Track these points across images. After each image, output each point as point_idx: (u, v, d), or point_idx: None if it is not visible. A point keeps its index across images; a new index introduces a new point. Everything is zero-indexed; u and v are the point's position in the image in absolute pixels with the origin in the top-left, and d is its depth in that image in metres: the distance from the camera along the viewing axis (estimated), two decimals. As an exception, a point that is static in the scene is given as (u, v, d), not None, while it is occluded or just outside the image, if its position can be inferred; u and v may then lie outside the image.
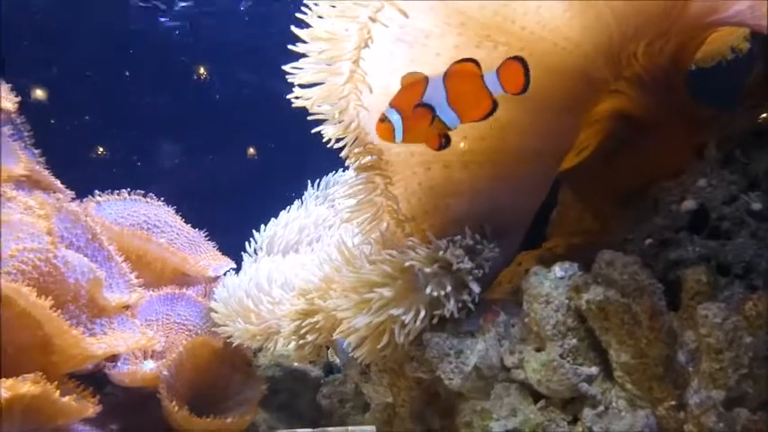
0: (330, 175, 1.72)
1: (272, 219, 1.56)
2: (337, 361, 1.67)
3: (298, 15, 0.84)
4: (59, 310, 1.03)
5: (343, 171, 1.71)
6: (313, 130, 0.95)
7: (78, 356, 1.05)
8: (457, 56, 0.79)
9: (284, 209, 1.61)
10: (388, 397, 1.29)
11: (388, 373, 1.26)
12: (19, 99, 1.22)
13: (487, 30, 0.78)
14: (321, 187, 1.68)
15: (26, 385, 0.89)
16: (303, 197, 1.66)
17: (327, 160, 1.63)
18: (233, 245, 1.61)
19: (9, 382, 0.88)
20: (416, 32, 0.79)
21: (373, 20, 0.71)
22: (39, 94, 1.87)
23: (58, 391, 0.95)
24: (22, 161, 1.18)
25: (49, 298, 1.01)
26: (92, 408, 1.02)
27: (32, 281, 1.04)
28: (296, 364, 1.69)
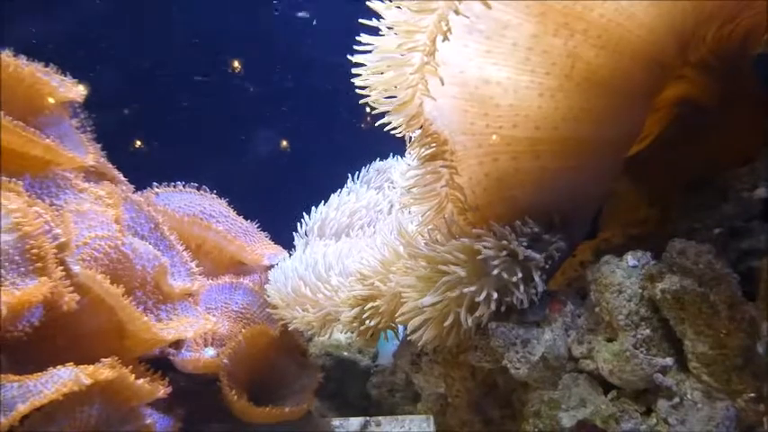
0: (370, 164, 1.72)
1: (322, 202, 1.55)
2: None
3: (370, 5, 0.84)
4: (129, 296, 1.06)
5: (380, 160, 1.72)
6: (378, 122, 0.95)
7: (149, 341, 1.08)
8: (534, 46, 0.78)
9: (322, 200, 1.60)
10: (441, 387, 1.29)
11: (440, 363, 1.26)
12: (85, 92, 1.25)
13: (566, 18, 0.77)
14: (362, 175, 1.67)
15: (105, 371, 0.92)
16: (347, 185, 1.65)
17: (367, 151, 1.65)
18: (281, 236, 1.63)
19: (90, 368, 0.90)
20: (493, 23, 0.78)
21: (457, 12, 0.70)
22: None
23: (133, 375, 0.98)
24: (91, 152, 1.21)
25: (120, 285, 1.04)
26: (162, 389, 1.05)
27: (103, 267, 1.07)
28: (345, 353, 1.71)
